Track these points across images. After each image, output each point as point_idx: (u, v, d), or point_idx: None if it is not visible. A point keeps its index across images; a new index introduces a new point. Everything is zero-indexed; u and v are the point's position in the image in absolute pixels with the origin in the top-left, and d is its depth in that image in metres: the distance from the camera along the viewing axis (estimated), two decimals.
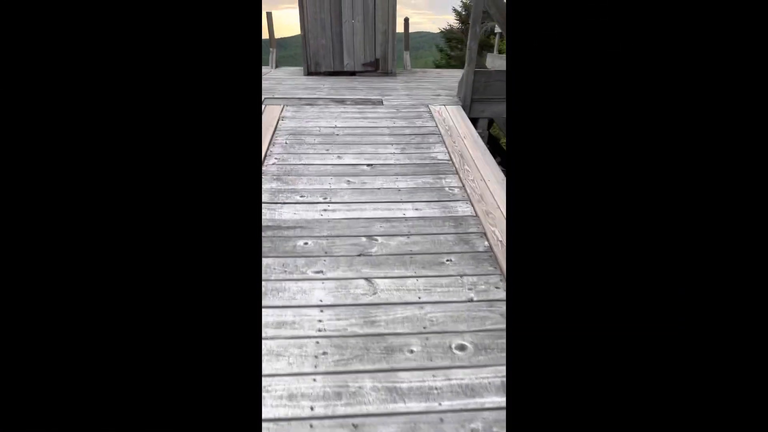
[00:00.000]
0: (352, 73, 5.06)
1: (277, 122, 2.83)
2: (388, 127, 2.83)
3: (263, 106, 3.18)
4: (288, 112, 3.06)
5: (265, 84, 4.34)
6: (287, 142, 2.55)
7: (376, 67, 5.05)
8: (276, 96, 3.58)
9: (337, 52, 4.92)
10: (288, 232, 1.78)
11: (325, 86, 4.20)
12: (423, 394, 1.12)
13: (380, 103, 3.39)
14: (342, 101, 3.40)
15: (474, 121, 3.30)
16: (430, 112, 3.21)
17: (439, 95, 3.89)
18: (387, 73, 5.08)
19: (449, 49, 18.38)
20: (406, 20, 6.11)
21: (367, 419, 1.07)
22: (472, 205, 1.99)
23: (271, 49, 6.02)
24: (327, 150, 2.47)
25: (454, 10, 17.70)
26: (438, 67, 18.86)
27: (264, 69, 5.71)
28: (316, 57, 4.96)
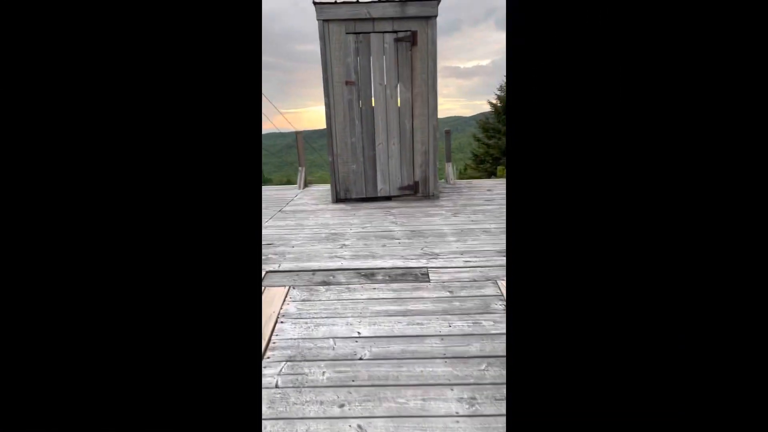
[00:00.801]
0: (388, 198, 4.36)
1: (274, 326, 1.88)
2: (440, 337, 1.77)
3: (263, 288, 2.23)
4: (293, 301, 2.09)
5: (277, 227, 3.66)
6: (280, 383, 1.56)
7: (414, 191, 4.33)
8: (282, 266, 2.50)
9: (369, 177, 4.29)
10: None
11: (352, 227, 3.44)
12: None
13: (425, 277, 2.29)
14: (371, 274, 2.34)
15: None
16: (501, 294, 2.10)
17: (504, 244, 2.99)
18: (428, 196, 4.33)
19: (486, 138, 18.35)
20: (448, 133, 5.56)
21: None
22: None
23: (300, 168, 5.59)
24: (342, 407, 1.43)
25: (489, 102, 17.95)
26: (476, 156, 18.70)
27: (290, 191, 5.20)
28: (345, 183, 4.34)
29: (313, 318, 1.93)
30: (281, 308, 2.02)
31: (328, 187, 5.11)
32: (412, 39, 3.95)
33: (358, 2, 3.85)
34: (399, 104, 4.09)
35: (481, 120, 17.73)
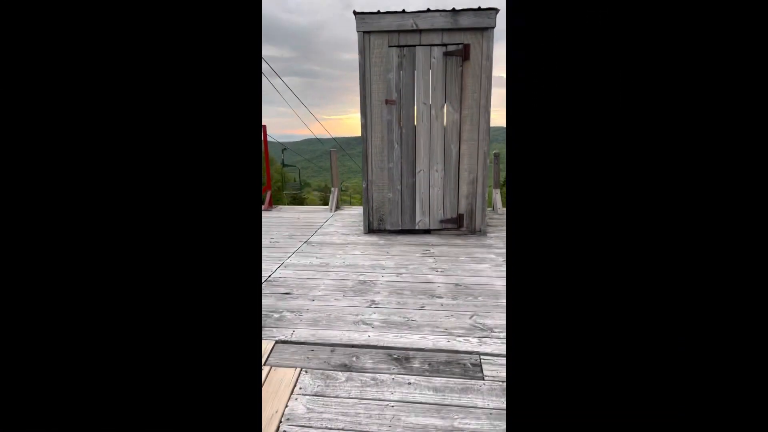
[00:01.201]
0: (427, 232, 3.84)
1: None
2: None
3: (268, 369, 1.74)
4: (302, 395, 1.59)
5: (300, 266, 3.24)
6: None
7: (458, 225, 3.79)
8: (296, 335, 1.98)
9: (407, 207, 3.80)
10: None
11: (385, 272, 2.96)
12: None
13: (477, 370, 1.71)
14: (406, 359, 1.79)
15: None
16: None
17: None
18: (474, 232, 3.78)
19: None
20: (497, 156, 4.98)
21: None
22: None
23: (332, 188, 5.21)
24: None
25: None
26: None
27: (321, 214, 4.82)
28: (380, 212, 3.88)
29: (327, 428, 1.45)
30: (287, 405, 1.56)
31: (360, 210, 4.68)
32: (463, 53, 3.44)
33: (404, 12, 3.41)
34: (445, 126, 3.59)
35: None
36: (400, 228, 3.83)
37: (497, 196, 4.88)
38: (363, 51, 3.52)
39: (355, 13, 3.49)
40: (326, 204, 5.34)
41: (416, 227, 3.81)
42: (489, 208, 4.92)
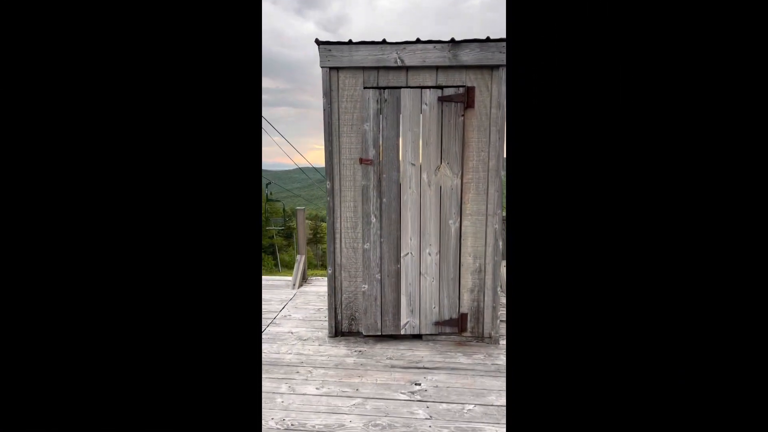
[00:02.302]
0: (417, 337, 2.79)
1: None
2: None
3: None
4: None
5: None
6: None
7: (460, 328, 2.76)
8: None
9: (389, 304, 2.77)
10: None
11: (351, 419, 1.90)
12: None
13: None
14: None
15: None
16: None
17: None
18: (481, 338, 2.75)
19: None
20: (505, 221, 4.04)
21: None
22: None
23: (297, 256, 4.17)
24: None
25: None
26: None
27: (282, 292, 3.74)
28: (351, 308, 2.82)
29: None
30: None
31: None
32: (465, 98, 2.54)
33: (384, 43, 2.51)
34: (441, 195, 2.64)
35: None
36: (379, 333, 2.77)
37: (504, 270, 3.90)
38: (329, 93, 2.59)
39: (317, 42, 2.58)
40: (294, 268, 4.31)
41: (402, 332, 2.76)
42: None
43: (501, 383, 2.22)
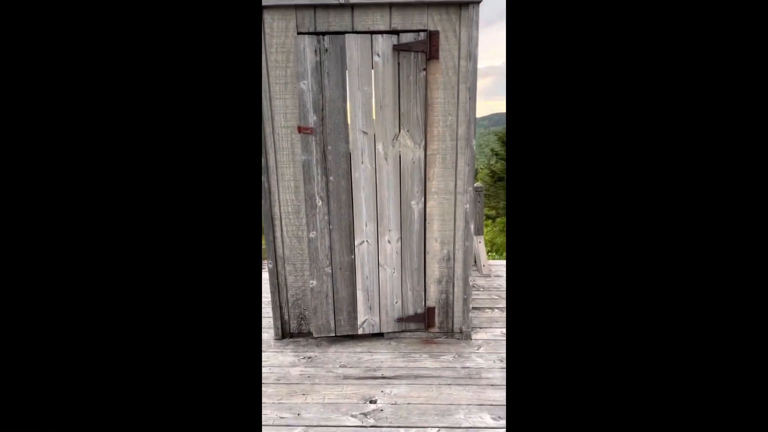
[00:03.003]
0: (377, 336, 2.42)
1: None
2: None
3: None
4: None
5: None
6: None
7: (427, 324, 2.41)
8: None
9: (343, 301, 2.36)
10: None
11: None
12: None
13: None
14: None
15: None
16: None
17: None
18: (451, 333, 2.41)
19: (505, 153, 16.19)
20: (479, 192, 3.60)
21: None
22: None
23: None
24: None
25: None
26: (493, 173, 16.56)
27: None
28: (299, 306, 2.38)
29: None
30: None
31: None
32: (428, 47, 2.02)
33: None
34: (401, 171, 2.19)
35: (499, 132, 15.65)
36: (332, 334, 2.38)
37: (481, 248, 3.54)
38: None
39: None
40: None
41: (359, 331, 2.39)
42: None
43: (471, 394, 1.89)
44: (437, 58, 2.02)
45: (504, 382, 1.98)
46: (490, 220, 16.17)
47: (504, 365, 2.12)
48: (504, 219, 14.33)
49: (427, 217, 2.23)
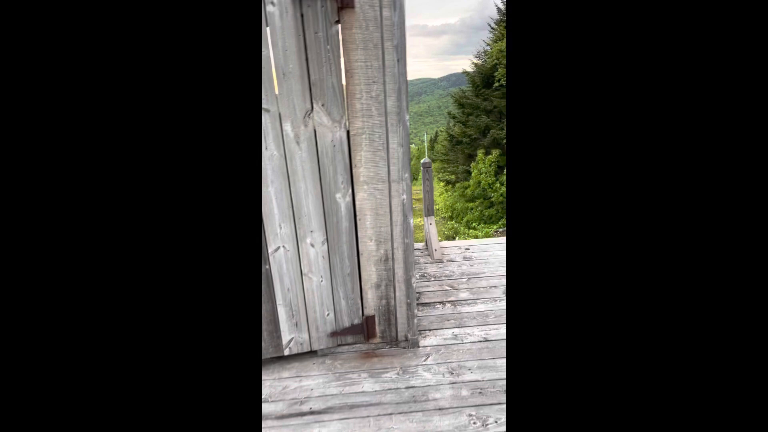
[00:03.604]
0: (310, 354, 2.05)
1: None
2: None
3: None
4: None
5: None
6: None
7: (367, 335, 2.06)
8: None
9: (262, 319, 1.97)
10: None
11: None
12: None
13: None
14: None
15: None
16: None
17: None
18: (395, 342, 2.08)
19: (462, 115, 15.88)
20: (427, 168, 3.19)
21: None
22: None
23: None
24: None
25: (466, 72, 15.36)
26: (451, 137, 16.23)
27: None
28: None
29: None
30: None
31: None
32: None
33: None
34: (319, 157, 1.74)
35: (456, 94, 15.21)
36: None
37: (432, 230, 3.20)
38: None
39: None
40: None
41: (286, 352, 2.00)
42: (418, 249, 3.23)
43: (415, 425, 1.59)
44: (352, 6, 1.54)
45: (452, 404, 1.69)
46: (450, 185, 16.10)
47: (454, 378, 1.83)
48: (464, 184, 14.26)
49: (357, 213, 1.82)
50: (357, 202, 1.80)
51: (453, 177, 16.10)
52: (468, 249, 3.24)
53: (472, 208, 13.12)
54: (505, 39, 11.68)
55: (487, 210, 12.37)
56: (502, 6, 14.13)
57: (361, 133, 1.71)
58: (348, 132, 1.70)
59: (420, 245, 3.38)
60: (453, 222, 13.84)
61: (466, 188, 13.58)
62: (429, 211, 3.21)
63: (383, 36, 1.58)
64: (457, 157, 15.70)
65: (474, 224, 12.46)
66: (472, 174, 13.20)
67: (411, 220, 1.85)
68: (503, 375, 1.83)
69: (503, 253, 3.16)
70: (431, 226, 3.17)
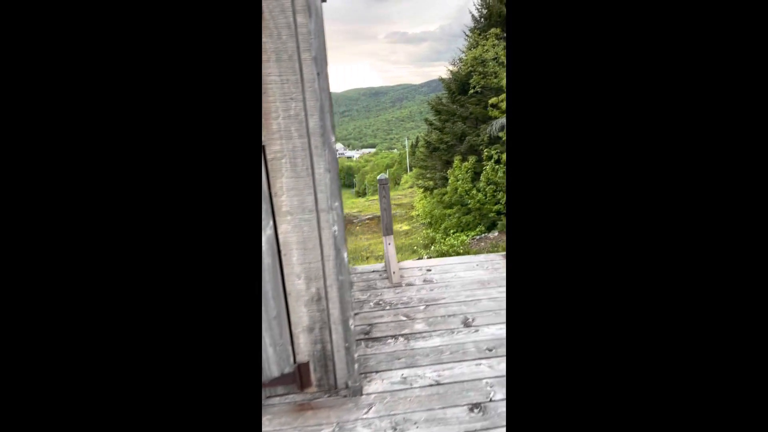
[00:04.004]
0: None
1: None
2: None
3: None
4: None
5: None
6: None
7: (301, 384, 1.81)
8: None
9: None
10: None
11: None
12: None
13: None
14: None
15: None
16: None
17: None
18: (335, 390, 1.80)
19: (439, 122, 15.82)
20: (384, 185, 2.96)
21: None
22: None
23: None
24: None
25: (442, 79, 15.32)
26: (428, 144, 16.17)
27: None
28: None
29: None
30: None
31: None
32: None
33: None
34: None
35: (433, 101, 15.16)
36: None
37: (390, 249, 2.99)
38: None
39: None
40: None
41: None
42: (379, 271, 3.01)
43: None
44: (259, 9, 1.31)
45: None
46: (428, 192, 16.01)
47: None
48: (441, 190, 14.17)
49: (281, 247, 1.59)
50: (280, 236, 1.56)
51: (431, 183, 16.03)
52: (430, 270, 3.03)
53: (449, 215, 13.03)
54: (478, 47, 11.69)
55: (465, 216, 12.28)
56: (477, 14, 14.19)
57: (280, 156, 1.47)
58: (265, 156, 1.47)
59: (380, 266, 3.16)
60: (430, 230, 13.74)
61: (444, 194, 13.52)
62: (388, 230, 2.99)
63: (299, 46, 1.36)
64: (434, 164, 15.62)
65: (451, 231, 12.36)
66: (449, 181, 13.14)
67: (345, 255, 1.62)
68: (454, 430, 1.61)
69: (466, 274, 2.96)
70: (390, 246, 2.95)
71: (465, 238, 11.17)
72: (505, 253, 3.54)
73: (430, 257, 8.06)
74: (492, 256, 3.32)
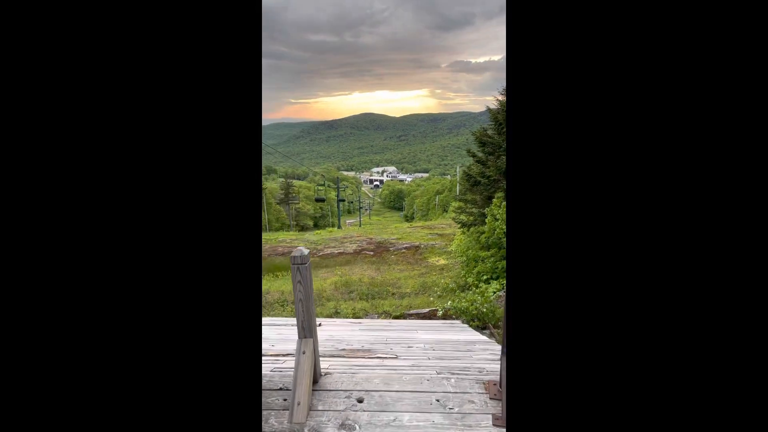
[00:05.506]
0: None
1: None
2: None
3: None
4: None
5: None
6: None
7: None
8: None
9: None
10: None
11: None
12: None
13: None
14: None
15: None
16: None
17: None
18: None
19: (483, 153, 14.59)
20: (298, 262, 2.04)
21: None
22: None
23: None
24: None
25: (489, 109, 14.19)
26: (469, 177, 14.92)
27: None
28: None
29: None
30: None
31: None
32: None
33: None
34: None
35: (478, 131, 14.05)
36: None
37: (303, 359, 2.00)
38: None
39: None
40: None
41: None
42: (282, 397, 2.02)
43: None
44: None
45: None
46: (465, 228, 14.67)
47: None
48: (479, 228, 12.82)
49: None
50: None
51: (470, 219, 14.71)
52: (361, 401, 1.98)
53: (484, 258, 11.63)
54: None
55: (500, 262, 10.83)
56: None
57: None
58: None
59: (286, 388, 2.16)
60: (464, 271, 12.37)
61: (481, 234, 12.16)
62: (305, 331, 2.01)
63: None
64: (475, 198, 14.32)
65: (484, 276, 10.95)
66: (487, 219, 11.80)
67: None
68: None
69: (413, 417, 1.86)
70: (304, 356, 1.95)
71: (498, 287, 9.72)
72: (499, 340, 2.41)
73: (446, 313, 6.85)
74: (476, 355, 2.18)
